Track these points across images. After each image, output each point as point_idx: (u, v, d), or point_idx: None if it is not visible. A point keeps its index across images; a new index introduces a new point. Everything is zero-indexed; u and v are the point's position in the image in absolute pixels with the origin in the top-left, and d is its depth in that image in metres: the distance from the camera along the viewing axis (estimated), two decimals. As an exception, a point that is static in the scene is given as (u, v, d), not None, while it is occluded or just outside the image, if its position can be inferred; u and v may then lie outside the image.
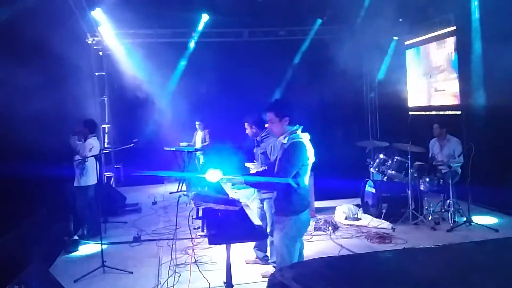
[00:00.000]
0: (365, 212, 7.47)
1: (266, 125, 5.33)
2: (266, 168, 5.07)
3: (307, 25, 10.68)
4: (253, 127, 5.28)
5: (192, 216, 3.52)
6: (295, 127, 3.60)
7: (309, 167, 3.62)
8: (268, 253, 5.39)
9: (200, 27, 10.41)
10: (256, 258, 5.50)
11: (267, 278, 5.07)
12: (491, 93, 6.88)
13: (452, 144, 7.24)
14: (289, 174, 3.42)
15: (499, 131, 7.01)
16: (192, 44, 10.75)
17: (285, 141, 3.56)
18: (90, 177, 6.64)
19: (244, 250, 5.47)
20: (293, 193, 3.51)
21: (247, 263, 5.49)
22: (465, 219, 6.62)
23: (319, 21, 10.50)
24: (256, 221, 3.41)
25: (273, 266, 5.27)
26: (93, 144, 6.68)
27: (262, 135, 5.22)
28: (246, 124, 5.36)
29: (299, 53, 10.94)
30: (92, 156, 6.45)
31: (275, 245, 3.69)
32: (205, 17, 10.16)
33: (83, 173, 6.59)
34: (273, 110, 3.62)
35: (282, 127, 3.60)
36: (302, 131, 3.63)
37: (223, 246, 3.36)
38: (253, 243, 5.43)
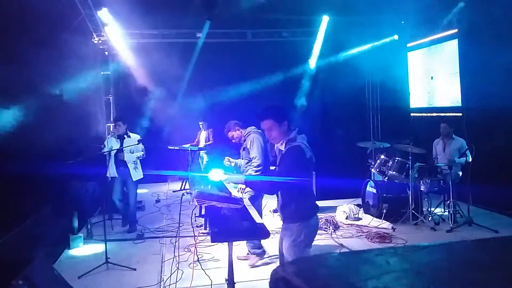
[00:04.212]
0: (366, 212, 7.54)
1: (252, 127, 5.41)
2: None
3: (310, 26, 10.72)
4: (237, 128, 5.37)
5: (195, 214, 3.58)
6: (292, 132, 3.50)
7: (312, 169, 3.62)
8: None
9: (204, 30, 10.45)
10: (247, 253, 5.53)
11: (253, 268, 5.17)
12: (492, 95, 6.91)
13: (457, 143, 7.25)
14: (290, 178, 3.33)
15: (500, 133, 7.06)
16: (196, 46, 10.80)
17: (282, 147, 3.51)
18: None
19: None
20: (300, 198, 3.44)
21: (238, 259, 5.49)
22: (465, 219, 6.68)
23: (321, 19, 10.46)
24: (258, 219, 3.48)
25: (253, 253, 5.38)
26: (138, 137, 7.08)
27: (244, 134, 5.37)
28: (230, 133, 5.39)
29: (302, 54, 10.98)
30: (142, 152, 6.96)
31: (285, 253, 3.53)
32: (208, 22, 10.19)
33: (137, 167, 6.98)
34: (271, 117, 3.48)
35: (283, 132, 3.48)
36: (299, 132, 3.54)
37: (225, 243, 3.44)
38: None
